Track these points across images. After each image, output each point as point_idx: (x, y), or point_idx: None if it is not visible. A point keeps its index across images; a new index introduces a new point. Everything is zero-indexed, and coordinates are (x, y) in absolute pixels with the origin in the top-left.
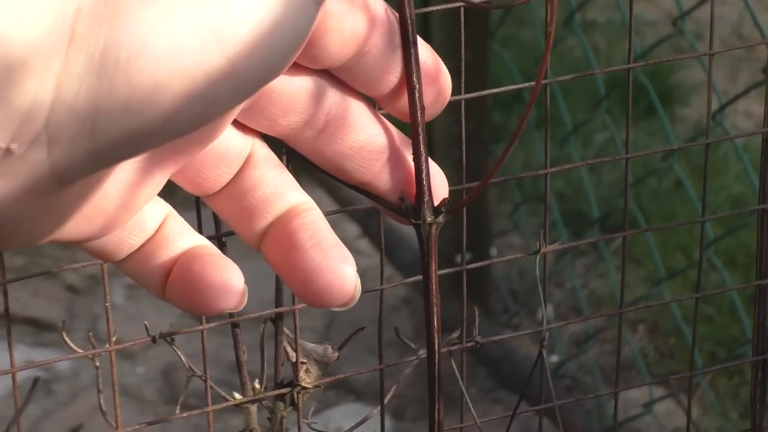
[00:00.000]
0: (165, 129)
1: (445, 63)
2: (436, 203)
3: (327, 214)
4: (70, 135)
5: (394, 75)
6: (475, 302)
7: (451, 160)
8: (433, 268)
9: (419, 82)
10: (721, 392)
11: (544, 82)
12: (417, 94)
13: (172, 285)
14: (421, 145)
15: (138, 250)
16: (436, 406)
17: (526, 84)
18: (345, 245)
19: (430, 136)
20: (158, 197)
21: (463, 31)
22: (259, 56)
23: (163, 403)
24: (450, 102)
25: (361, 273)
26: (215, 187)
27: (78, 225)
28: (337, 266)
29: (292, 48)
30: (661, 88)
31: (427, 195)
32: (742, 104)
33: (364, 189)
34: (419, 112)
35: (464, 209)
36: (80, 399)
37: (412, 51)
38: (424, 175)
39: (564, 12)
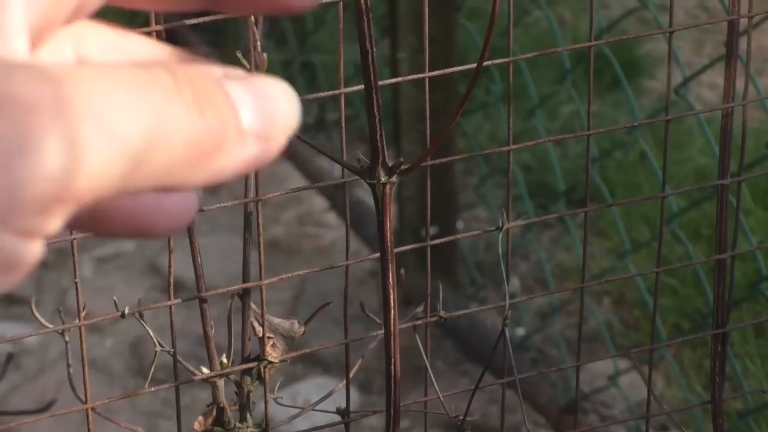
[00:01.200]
0: None
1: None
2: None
3: (296, 190)
4: None
5: None
6: (442, 275)
7: (418, 134)
8: (388, 226)
9: (372, 48)
10: (686, 364)
11: (508, 59)
12: (370, 59)
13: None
14: (375, 108)
15: None
16: (393, 360)
17: (493, 61)
18: (313, 219)
19: (398, 109)
20: None
21: (429, 3)
22: None
23: (131, 377)
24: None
25: (329, 246)
26: None
27: None
28: None
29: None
30: (626, 60)
31: (381, 156)
32: (707, 76)
33: (320, 150)
34: (372, 77)
35: (428, 186)
36: (48, 372)
37: (365, 22)
38: (378, 137)
39: None
